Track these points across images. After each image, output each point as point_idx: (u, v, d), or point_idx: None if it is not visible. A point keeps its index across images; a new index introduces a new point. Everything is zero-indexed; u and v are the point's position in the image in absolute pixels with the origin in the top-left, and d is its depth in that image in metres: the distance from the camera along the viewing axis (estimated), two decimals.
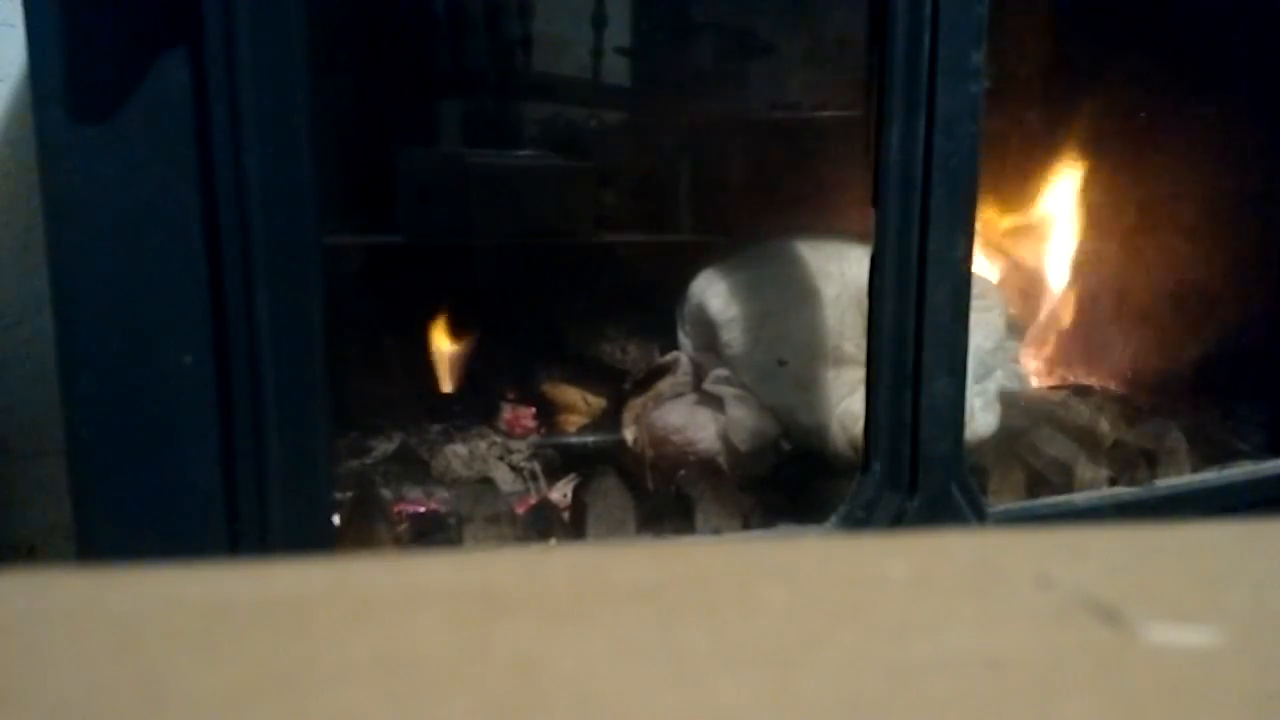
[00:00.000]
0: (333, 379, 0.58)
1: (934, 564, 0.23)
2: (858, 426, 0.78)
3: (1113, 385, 1.17)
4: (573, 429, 0.96)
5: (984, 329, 0.89)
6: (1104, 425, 0.95)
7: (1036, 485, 0.85)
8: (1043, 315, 1.22)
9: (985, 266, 1.17)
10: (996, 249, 1.21)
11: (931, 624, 0.20)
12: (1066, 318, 1.22)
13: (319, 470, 0.59)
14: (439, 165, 1.02)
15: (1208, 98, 1.07)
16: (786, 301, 0.88)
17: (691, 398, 0.90)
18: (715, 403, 0.87)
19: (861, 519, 0.72)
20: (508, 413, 0.96)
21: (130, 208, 0.55)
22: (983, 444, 0.88)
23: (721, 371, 0.89)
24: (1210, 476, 0.90)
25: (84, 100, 0.53)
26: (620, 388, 0.96)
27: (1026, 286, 1.22)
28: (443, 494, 0.81)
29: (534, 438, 0.94)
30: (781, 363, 0.87)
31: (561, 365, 1.02)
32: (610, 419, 0.94)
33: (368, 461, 0.88)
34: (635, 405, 0.92)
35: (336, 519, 0.70)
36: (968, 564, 0.24)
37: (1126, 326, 1.18)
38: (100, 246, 0.54)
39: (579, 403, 0.98)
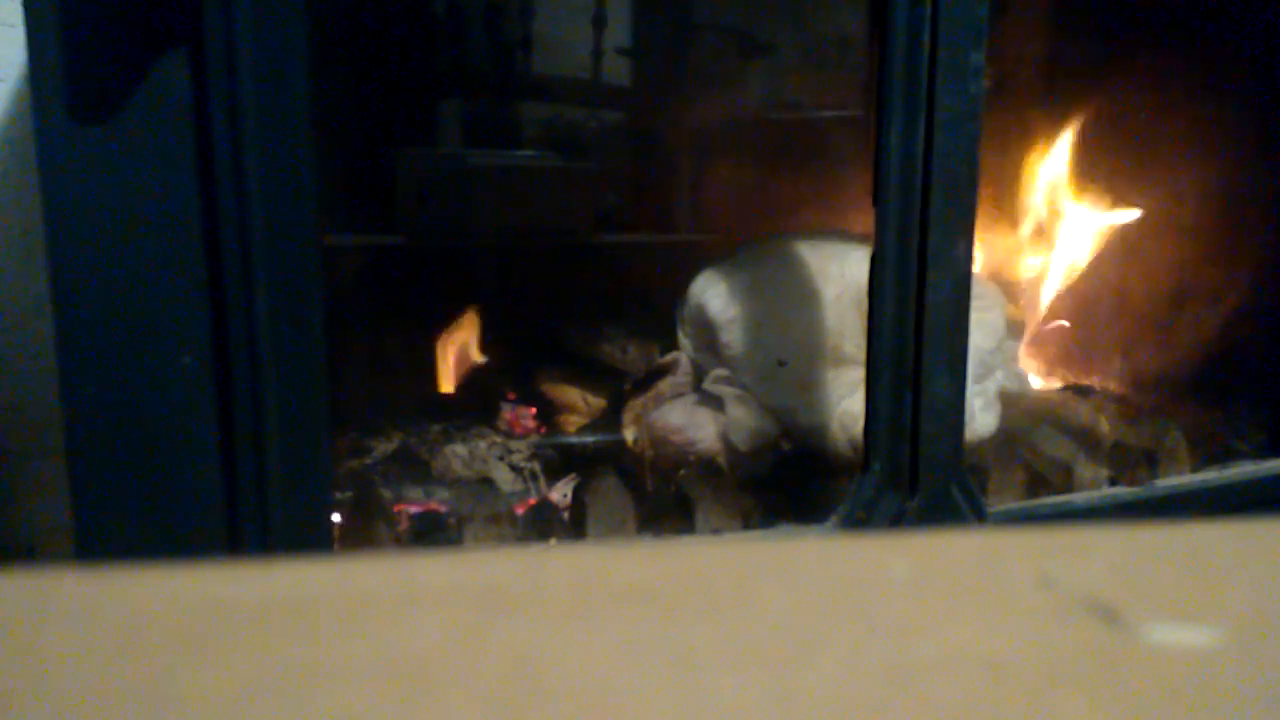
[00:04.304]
0: (333, 379, 0.58)
1: (934, 564, 0.23)
2: (858, 426, 0.78)
3: (1113, 385, 1.17)
4: (573, 429, 0.96)
5: (984, 329, 0.89)
6: (1104, 425, 0.95)
7: (1036, 485, 0.85)
8: (1043, 315, 1.22)
9: (985, 266, 1.17)
10: (997, 249, 1.21)
11: (931, 624, 0.20)
12: (1067, 318, 1.22)
13: (319, 470, 0.59)
14: (439, 165, 1.02)
15: (1209, 97, 1.07)
16: (786, 301, 0.88)
17: (691, 398, 0.90)
18: (715, 403, 0.87)
19: (861, 519, 0.72)
20: (508, 413, 0.97)
21: (130, 208, 0.55)
22: (983, 444, 0.88)
23: (721, 372, 0.89)
24: (1210, 476, 0.90)
25: (84, 100, 0.53)
26: (620, 388, 0.96)
27: (1027, 287, 1.22)
28: (443, 494, 0.81)
29: (534, 438, 0.94)
30: (781, 363, 0.87)
31: (561, 365, 1.02)
32: (610, 419, 0.94)
33: (368, 461, 0.88)
34: (635, 405, 0.92)
35: (336, 519, 0.70)
36: (968, 564, 0.24)
37: (1126, 326, 1.18)
38: (100, 246, 0.54)
39: (579, 403, 0.98)
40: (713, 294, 0.90)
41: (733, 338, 0.88)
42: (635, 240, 1.16)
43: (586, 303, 1.07)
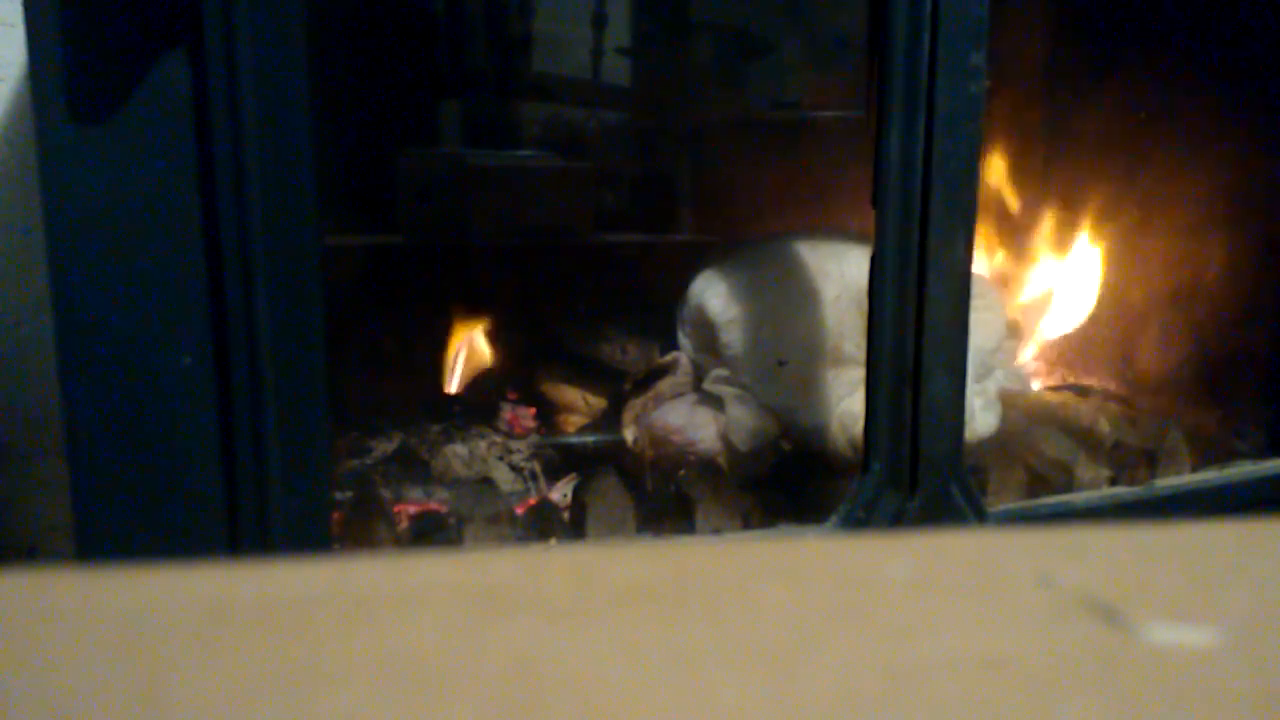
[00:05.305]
0: (333, 379, 0.58)
1: (934, 564, 0.23)
2: (858, 426, 0.78)
3: (1113, 385, 1.17)
4: (573, 429, 0.96)
5: (984, 329, 0.89)
6: (1104, 425, 0.95)
7: (1036, 485, 0.85)
8: (1044, 316, 1.22)
9: (985, 267, 1.17)
10: (998, 250, 1.21)
11: (931, 624, 0.20)
12: (1067, 318, 1.22)
13: (319, 470, 0.59)
14: (439, 165, 1.02)
15: (1208, 97, 1.07)
16: (786, 301, 0.88)
17: (691, 398, 0.90)
18: (715, 403, 0.87)
19: (861, 519, 0.72)
20: (508, 413, 0.97)
21: (130, 208, 0.55)
22: (983, 444, 0.88)
23: (721, 372, 0.89)
24: (1210, 476, 0.90)
25: (84, 100, 0.53)
26: (620, 388, 0.96)
27: (1027, 287, 1.22)
28: (443, 494, 0.81)
29: (534, 438, 0.94)
30: (781, 363, 0.87)
31: (561, 365, 1.02)
32: (610, 419, 0.94)
33: (368, 461, 0.88)
34: (635, 405, 0.92)
35: (336, 519, 0.70)
36: (968, 564, 0.24)
37: (1126, 326, 1.18)
38: (100, 246, 0.54)
39: (579, 403, 0.98)
40: (713, 294, 0.90)
41: (733, 338, 0.88)
42: (635, 240, 1.16)
43: (586, 303, 1.07)
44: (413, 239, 1.01)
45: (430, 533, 0.73)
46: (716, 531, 0.77)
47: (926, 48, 0.67)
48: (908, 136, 0.68)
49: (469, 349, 1.04)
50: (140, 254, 0.55)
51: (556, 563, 0.23)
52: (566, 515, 0.77)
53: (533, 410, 0.98)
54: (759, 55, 1.21)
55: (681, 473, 0.82)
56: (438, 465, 0.87)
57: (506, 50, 1.13)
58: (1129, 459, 0.89)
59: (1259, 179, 1.07)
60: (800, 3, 1.23)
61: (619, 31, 1.17)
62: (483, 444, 0.90)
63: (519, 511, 0.77)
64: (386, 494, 0.80)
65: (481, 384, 1.02)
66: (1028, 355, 1.20)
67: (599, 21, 1.15)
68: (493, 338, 1.05)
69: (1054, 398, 1.07)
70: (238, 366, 0.56)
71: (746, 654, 0.19)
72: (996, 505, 0.81)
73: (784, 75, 1.23)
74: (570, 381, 1.00)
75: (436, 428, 0.94)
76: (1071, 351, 1.22)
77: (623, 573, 0.23)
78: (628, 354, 1.00)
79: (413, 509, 0.78)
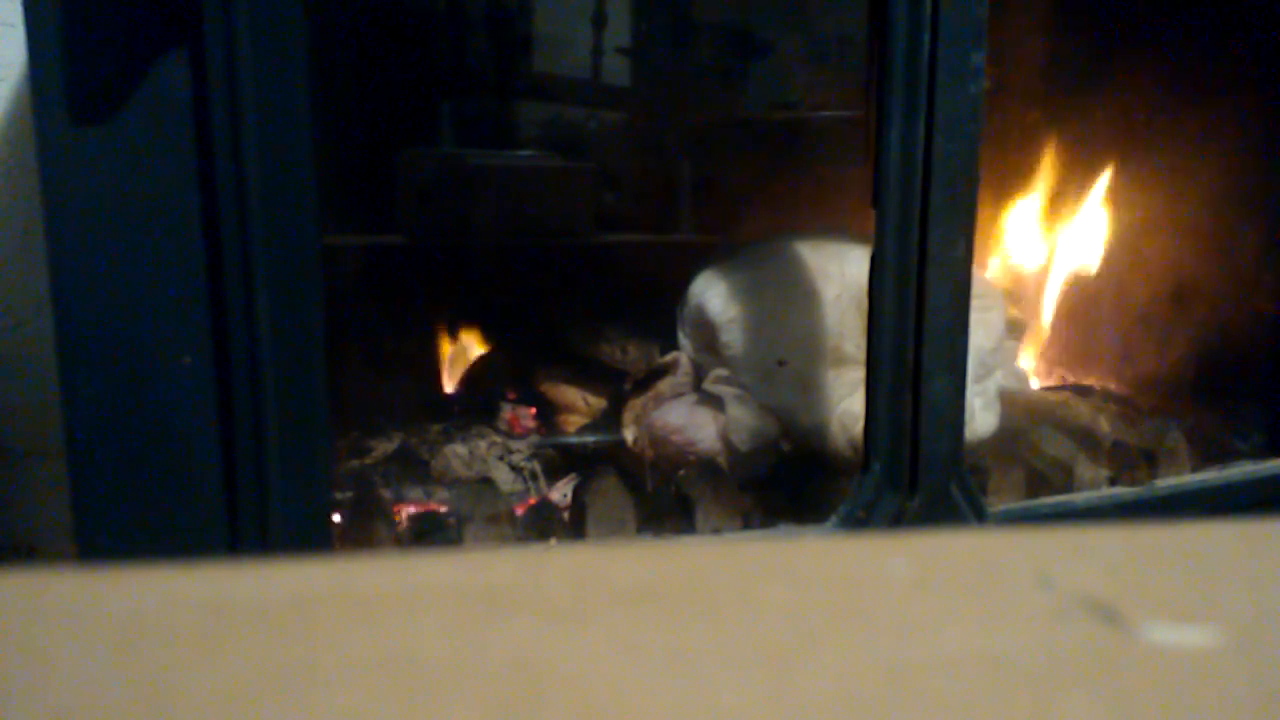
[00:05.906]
0: (333, 379, 0.58)
1: (934, 564, 0.23)
2: (858, 426, 0.78)
3: (1113, 385, 1.17)
4: (573, 429, 0.96)
5: (984, 329, 0.89)
6: (1104, 425, 0.95)
7: (1036, 485, 0.85)
8: (1044, 315, 1.22)
9: (985, 266, 1.17)
10: (997, 249, 1.21)
11: (931, 624, 0.20)
12: (1067, 318, 1.22)
13: (319, 470, 0.59)
14: (439, 165, 1.03)
15: (1209, 95, 1.07)
16: (786, 301, 0.88)
17: (691, 398, 0.90)
18: (715, 403, 0.87)
19: (861, 519, 0.72)
20: (508, 413, 0.97)
21: (130, 208, 0.55)
22: (983, 444, 0.88)
23: (721, 372, 0.89)
24: (1210, 476, 0.90)
25: (84, 100, 0.53)
26: (620, 388, 0.96)
27: (1028, 286, 1.22)
28: (443, 494, 0.81)
29: (534, 438, 0.94)
30: (781, 363, 0.87)
31: (561, 365, 1.02)
32: (610, 419, 0.94)
33: (368, 461, 0.88)
34: (635, 405, 0.92)
35: (336, 519, 0.70)
36: (968, 564, 0.24)
37: (1126, 326, 1.18)
38: (100, 246, 0.54)
39: (579, 403, 0.98)
40: (713, 294, 0.90)
41: (733, 338, 0.88)
42: (635, 240, 1.16)
43: (586, 303, 1.07)
44: (413, 239, 1.01)
45: (430, 533, 0.73)
46: (716, 531, 0.77)
47: (926, 48, 0.67)
48: (908, 136, 0.68)
49: (469, 349, 1.04)
50: (140, 254, 0.55)
51: (556, 563, 0.23)
52: (566, 515, 0.77)
53: (533, 410, 0.98)
54: (759, 55, 1.21)
55: (681, 473, 0.82)
56: (438, 465, 0.87)
57: (507, 50, 1.13)
58: (1129, 459, 0.89)
59: (1260, 178, 1.07)
60: (800, 3, 1.23)
61: (619, 31, 1.17)
62: (483, 444, 0.90)
63: (519, 511, 0.77)
64: (386, 494, 0.80)
65: (481, 384, 1.02)
66: (1027, 355, 1.20)
67: (599, 21, 1.15)
68: (493, 338, 1.05)
69: (1054, 398, 1.07)
70: (238, 366, 0.56)
71: (746, 654, 0.19)
72: (996, 505, 0.81)
73: (784, 75, 1.23)
74: (570, 381, 1.00)
75: (436, 428, 0.94)
76: (1072, 351, 1.22)
77: (623, 573, 0.23)
78: (628, 354, 1.00)
79: (413, 509, 0.78)
